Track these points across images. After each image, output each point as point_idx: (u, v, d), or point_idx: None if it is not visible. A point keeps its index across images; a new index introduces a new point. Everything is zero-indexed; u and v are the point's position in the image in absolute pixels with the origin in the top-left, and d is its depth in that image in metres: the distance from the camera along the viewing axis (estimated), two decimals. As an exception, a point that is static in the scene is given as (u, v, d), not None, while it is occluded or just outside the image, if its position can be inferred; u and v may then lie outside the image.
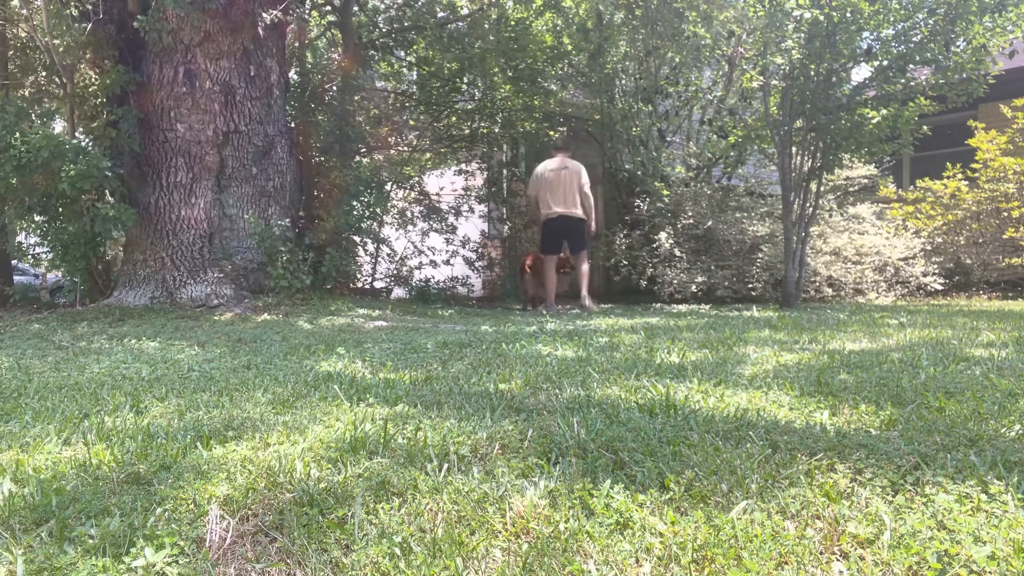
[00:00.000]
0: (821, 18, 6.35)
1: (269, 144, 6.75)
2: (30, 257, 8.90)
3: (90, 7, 6.14)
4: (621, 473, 1.54)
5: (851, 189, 9.41)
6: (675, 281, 7.75)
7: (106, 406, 2.25)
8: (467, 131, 9.70)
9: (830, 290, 8.27)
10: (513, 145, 10.01)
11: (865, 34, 6.83)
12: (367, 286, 8.80)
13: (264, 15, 6.31)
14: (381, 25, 9.42)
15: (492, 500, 1.41)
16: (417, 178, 9.55)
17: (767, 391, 2.24)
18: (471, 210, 9.65)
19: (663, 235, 8.05)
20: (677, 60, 8.63)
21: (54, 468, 1.62)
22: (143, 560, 1.20)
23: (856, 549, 1.21)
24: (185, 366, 3.09)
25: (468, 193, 9.67)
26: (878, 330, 4.04)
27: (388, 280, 8.95)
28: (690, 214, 8.27)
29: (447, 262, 9.22)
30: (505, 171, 10.08)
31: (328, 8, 8.95)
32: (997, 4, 6.30)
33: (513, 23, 8.72)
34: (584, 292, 7.18)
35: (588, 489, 1.44)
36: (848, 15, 6.32)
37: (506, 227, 10.15)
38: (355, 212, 7.21)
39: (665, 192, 8.38)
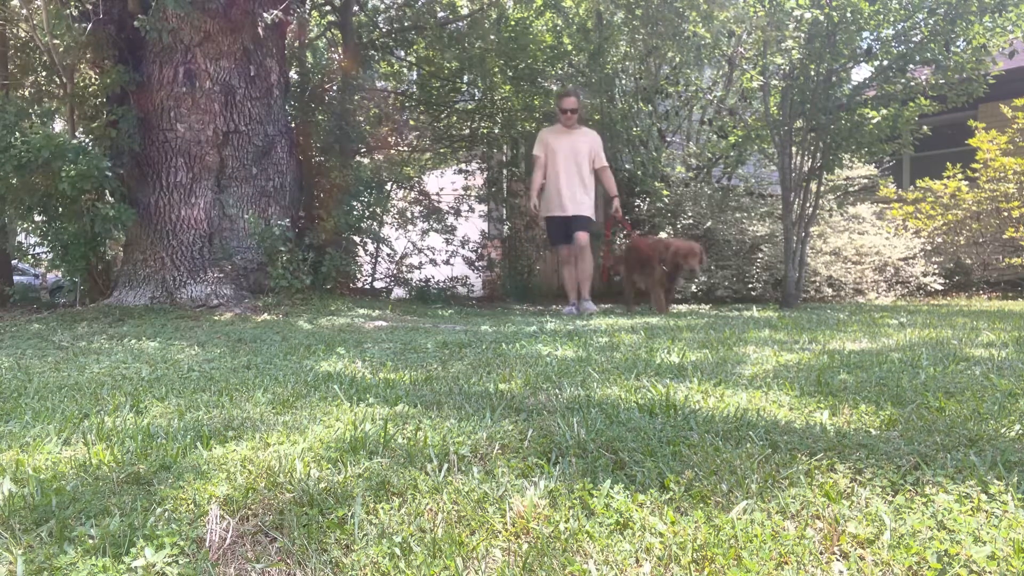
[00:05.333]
0: (821, 18, 6.35)
1: (269, 144, 6.75)
2: (30, 257, 8.91)
3: (90, 7, 6.14)
4: (621, 473, 1.54)
5: (851, 189, 9.41)
6: (675, 281, 7.75)
7: (106, 406, 2.25)
8: (467, 131, 9.70)
9: (830, 290, 8.28)
10: (513, 145, 10.01)
11: (865, 34, 6.83)
12: (367, 286, 8.79)
13: (264, 15, 6.31)
14: (381, 25, 9.42)
15: (492, 500, 1.41)
16: (417, 178, 9.55)
17: (767, 391, 2.24)
18: (471, 210, 9.65)
19: (663, 235, 8.05)
20: (677, 60, 8.63)
21: (54, 468, 1.62)
22: (143, 560, 1.20)
23: (856, 549, 1.21)
24: (185, 366, 3.09)
25: (468, 193, 9.67)
26: (878, 330, 4.04)
27: (388, 280, 8.95)
28: (690, 214, 8.27)
29: (447, 262, 9.22)
30: (505, 171, 10.08)
31: (328, 8, 8.95)
32: (997, 4, 6.30)
33: (513, 23, 8.72)
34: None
35: (588, 489, 1.44)
36: (848, 15, 6.32)
37: (506, 227, 10.15)
38: (355, 212, 7.21)
39: (665, 192, 8.38)
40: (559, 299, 9.26)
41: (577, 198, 6.51)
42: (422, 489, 1.46)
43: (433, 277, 8.89)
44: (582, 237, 6.49)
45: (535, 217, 6.87)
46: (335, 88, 8.15)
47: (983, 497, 1.34)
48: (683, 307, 7.26)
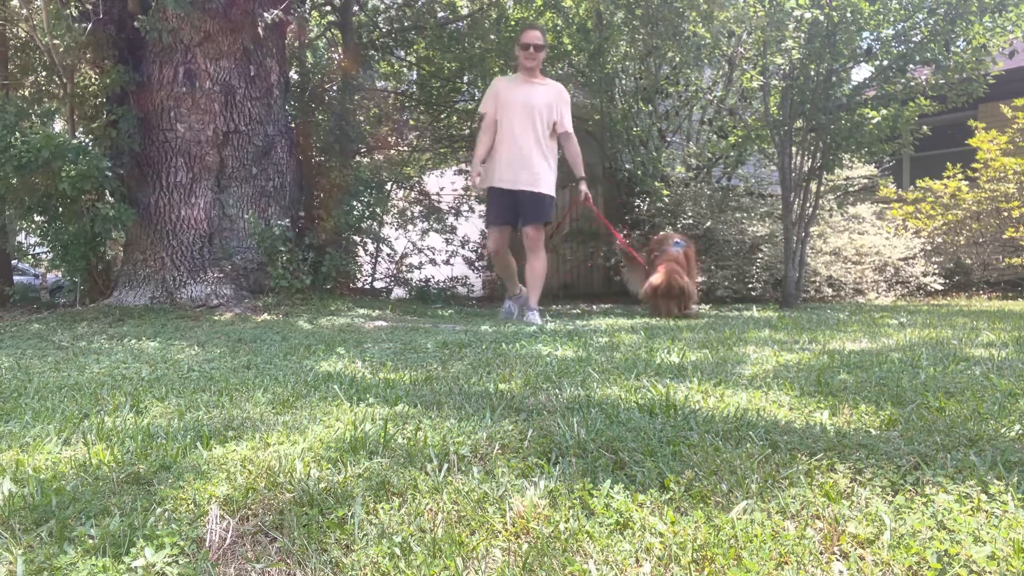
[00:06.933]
0: (821, 18, 6.35)
1: (269, 144, 6.75)
2: (30, 257, 8.92)
3: (90, 7, 6.14)
4: (621, 473, 1.54)
5: (851, 189, 9.42)
6: (675, 281, 7.74)
7: (106, 406, 2.25)
8: (467, 131, 9.70)
9: (830, 290, 8.28)
10: (513, 145, 10.01)
11: (865, 34, 6.83)
12: (367, 286, 8.80)
13: (264, 15, 6.31)
14: (381, 25, 9.43)
15: (492, 500, 1.41)
16: (417, 178, 9.56)
17: (767, 391, 2.24)
18: (471, 210, 9.65)
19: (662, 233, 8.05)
20: (677, 60, 8.63)
21: (54, 468, 1.62)
22: (143, 560, 1.20)
23: (856, 549, 1.21)
24: (185, 366, 3.09)
25: (468, 193, 9.68)
26: (878, 330, 4.04)
27: (388, 280, 8.95)
28: (690, 214, 8.27)
29: (447, 262, 9.23)
30: (505, 171, 10.07)
31: (328, 8, 8.95)
32: (997, 4, 6.30)
33: (513, 23, 8.73)
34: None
35: (588, 489, 1.44)
36: (848, 15, 6.32)
37: (506, 227, 10.13)
38: (355, 212, 7.21)
39: (665, 192, 8.38)
40: (558, 299, 9.27)
41: (530, 168, 5.06)
42: (422, 489, 1.46)
43: (433, 277, 8.89)
44: (532, 234, 5.13)
45: (479, 192, 5.60)
46: (335, 88, 8.15)
47: (983, 497, 1.34)
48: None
